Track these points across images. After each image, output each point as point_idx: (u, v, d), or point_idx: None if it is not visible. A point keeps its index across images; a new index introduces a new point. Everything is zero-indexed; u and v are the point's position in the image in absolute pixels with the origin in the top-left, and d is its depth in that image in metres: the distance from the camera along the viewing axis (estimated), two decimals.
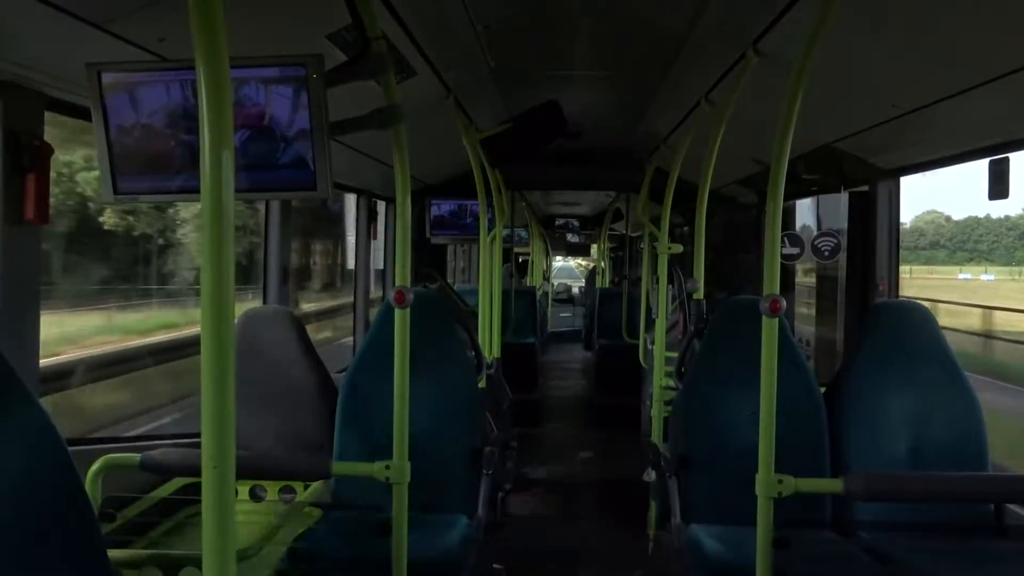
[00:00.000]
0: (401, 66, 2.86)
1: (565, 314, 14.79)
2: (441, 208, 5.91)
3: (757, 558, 1.91)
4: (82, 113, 2.21)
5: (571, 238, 15.29)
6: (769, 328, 1.87)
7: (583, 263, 25.40)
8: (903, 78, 2.48)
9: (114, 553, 1.95)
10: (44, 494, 1.36)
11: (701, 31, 2.69)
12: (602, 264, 13.01)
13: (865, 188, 3.63)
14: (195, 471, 0.98)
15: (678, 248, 4.35)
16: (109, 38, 1.87)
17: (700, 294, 3.63)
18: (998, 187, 2.72)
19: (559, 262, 24.59)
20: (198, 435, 1.10)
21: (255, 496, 2.87)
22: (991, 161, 2.73)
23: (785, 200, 1.96)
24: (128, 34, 1.90)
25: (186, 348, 5.75)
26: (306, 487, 2.88)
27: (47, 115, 2.15)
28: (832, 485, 2.05)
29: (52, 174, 2.09)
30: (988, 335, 14.40)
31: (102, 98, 1.77)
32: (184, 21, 1.01)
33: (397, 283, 2.04)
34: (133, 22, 1.85)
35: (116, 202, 1.81)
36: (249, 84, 1.72)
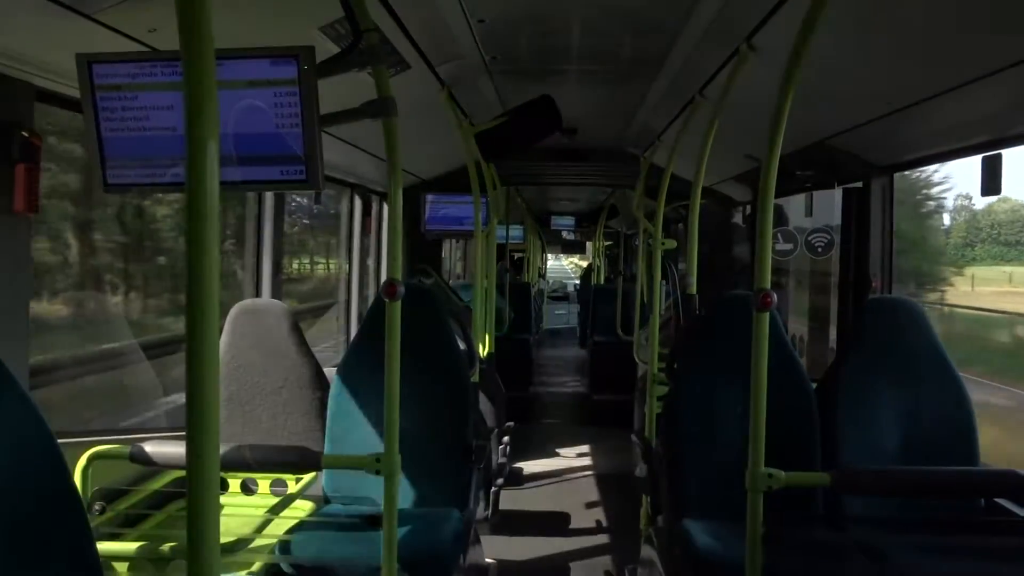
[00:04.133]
0: (394, 59, 2.85)
1: (560, 311, 14.81)
2: (436, 203, 5.91)
3: (747, 552, 1.92)
4: (72, 104, 2.21)
5: (566, 235, 15.30)
6: (760, 323, 1.87)
7: (579, 262, 25.34)
8: (897, 74, 2.48)
9: (103, 546, 1.94)
10: (32, 486, 1.36)
11: (695, 26, 2.69)
12: (597, 261, 13.02)
13: (859, 184, 3.64)
14: (184, 463, 0.98)
15: (672, 244, 4.35)
16: (99, 28, 1.86)
17: (693, 290, 3.63)
18: (991, 183, 2.73)
19: (551, 261, 24.48)
20: None
21: (247, 489, 2.87)
22: (984, 157, 2.74)
23: (778, 196, 1.96)
24: (118, 24, 1.89)
25: None
26: (298, 480, 2.88)
27: None
28: (820, 479, 2.06)
29: None
30: None
31: (92, 89, 1.76)
32: (175, 12, 1.00)
33: (389, 276, 2.03)
34: (123, 12, 1.84)
35: (107, 193, 1.81)
36: (240, 76, 1.71)
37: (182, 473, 2.35)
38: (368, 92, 1.88)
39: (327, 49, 2.22)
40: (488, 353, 4.61)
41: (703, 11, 2.53)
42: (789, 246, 3.83)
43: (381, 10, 2.38)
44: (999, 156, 2.69)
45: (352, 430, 2.91)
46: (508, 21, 2.90)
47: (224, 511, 1.01)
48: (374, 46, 1.82)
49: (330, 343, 5.40)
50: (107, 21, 1.85)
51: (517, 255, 13.22)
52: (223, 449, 1.81)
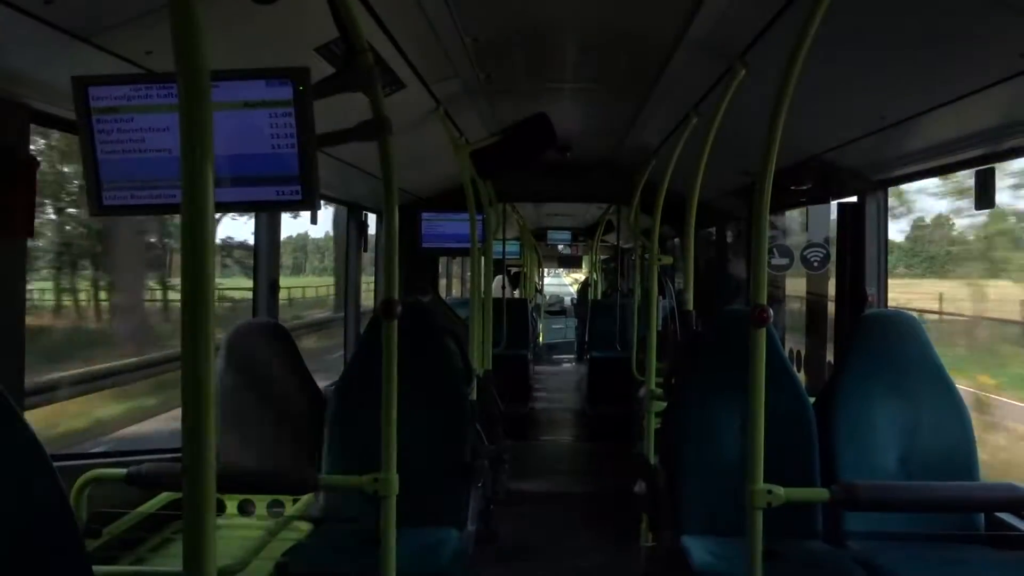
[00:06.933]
0: (389, 78, 2.86)
1: (557, 325, 14.80)
2: (432, 221, 5.92)
3: (747, 569, 1.90)
4: (68, 126, 2.21)
5: (563, 250, 15.33)
6: (756, 338, 1.87)
7: (578, 277, 25.31)
8: (890, 89, 2.49)
9: (99, 569, 1.92)
10: (28, 509, 1.35)
11: (689, 43, 2.71)
12: (594, 276, 13.04)
13: (854, 199, 3.65)
14: (180, 485, 0.98)
15: (668, 260, 4.35)
16: (95, 51, 1.86)
17: (690, 305, 3.63)
18: (984, 197, 2.74)
19: (550, 277, 24.45)
20: None
21: (243, 510, 2.85)
22: (977, 172, 2.75)
23: (773, 212, 1.97)
24: (114, 47, 1.89)
25: None
26: (295, 501, 2.87)
27: None
28: (819, 495, 2.05)
29: None
30: None
31: (88, 111, 1.76)
32: (170, 34, 1.01)
33: (385, 295, 2.03)
34: (119, 35, 1.85)
35: (99, 216, 1.80)
36: (235, 97, 1.72)
37: (178, 495, 2.34)
38: (364, 111, 1.89)
39: (322, 69, 2.23)
40: (485, 370, 4.60)
41: (697, 28, 2.55)
42: (785, 260, 3.84)
43: (376, 30, 2.39)
44: (992, 170, 2.70)
45: (349, 450, 2.89)
46: (502, 40, 2.91)
47: (221, 533, 1.01)
48: (369, 66, 1.83)
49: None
50: (103, 44, 1.86)
51: (514, 270, 13.24)
52: (219, 470, 1.81)
